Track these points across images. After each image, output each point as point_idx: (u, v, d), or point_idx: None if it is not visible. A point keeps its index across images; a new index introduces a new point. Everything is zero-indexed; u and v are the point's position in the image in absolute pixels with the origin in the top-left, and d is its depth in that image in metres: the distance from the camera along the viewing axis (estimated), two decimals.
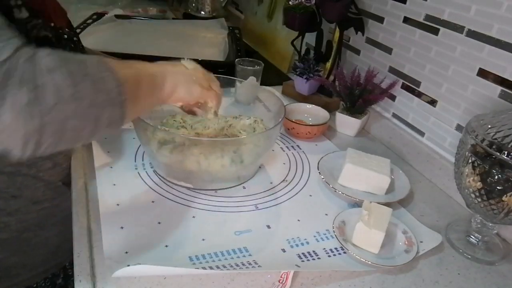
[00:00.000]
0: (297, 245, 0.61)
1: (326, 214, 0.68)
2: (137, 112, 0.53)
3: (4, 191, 0.63)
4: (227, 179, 0.71)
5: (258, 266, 0.55)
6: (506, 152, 0.55)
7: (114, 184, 0.68)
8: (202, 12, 1.73)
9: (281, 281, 0.54)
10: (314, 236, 0.63)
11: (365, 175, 0.72)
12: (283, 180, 0.76)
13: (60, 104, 0.37)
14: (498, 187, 0.57)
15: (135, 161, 0.75)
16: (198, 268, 0.54)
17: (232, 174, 0.70)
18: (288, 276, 0.54)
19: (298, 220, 0.66)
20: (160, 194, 0.67)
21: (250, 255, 0.57)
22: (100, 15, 1.43)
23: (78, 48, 0.72)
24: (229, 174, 0.70)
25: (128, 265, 0.50)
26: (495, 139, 0.57)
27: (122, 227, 0.59)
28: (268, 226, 0.64)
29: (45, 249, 0.72)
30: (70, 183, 0.72)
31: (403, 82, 0.91)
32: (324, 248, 0.61)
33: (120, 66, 0.45)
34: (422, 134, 0.88)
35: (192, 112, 0.65)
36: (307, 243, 0.61)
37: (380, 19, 0.96)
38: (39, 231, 0.70)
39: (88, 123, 0.41)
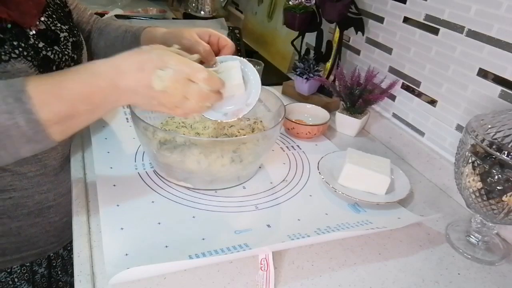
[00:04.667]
0: (298, 238, 0.61)
1: (326, 214, 0.68)
2: (77, 125, 0.49)
3: None
4: (227, 179, 0.71)
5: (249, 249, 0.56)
6: (506, 152, 0.55)
7: (114, 185, 0.68)
8: (202, 12, 1.73)
9: (262, 267, 0.53)
10: (315, 231, 0.63)
11: (365, 175, 0.72)
12: (283, 180, 0.76)
13: None
14: (498, 187, 0.57)
15: (135, 161, 0.75)
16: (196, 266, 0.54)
17: (232, 174, 0.70)
18: (268, 261, 0.54)
19: (299, 220, 0.66)
20: (160, 194, 0.67)
21: (250, 249, 0.57)
22: (100, 15, 1.43)
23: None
24: (229, 174, 0.70)
25: (128, 268, 0.50)
26: (495, 139, 0.57)
27: (122, 228, 0.59)
28: (269, 226, 0.64)
29: (18, 238, 0.71)
30: (56, 174, 0.72)
31: (403, 82, 0.92)
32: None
33: (45, 87, 0.45)
34: (422, 134, 0.88)
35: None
36: (308, 236, 0.62)
37: (380, 19, 0.96)
38: (6, 220, 0.69)
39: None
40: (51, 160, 0.71)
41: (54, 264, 0.80)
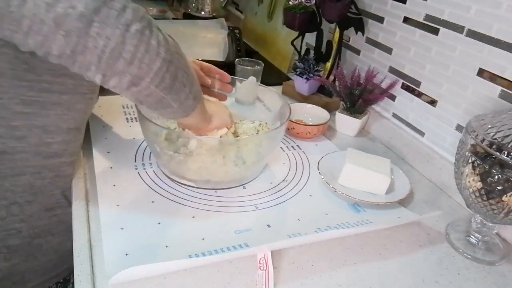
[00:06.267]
0: (296, 236, 0.61)
1: (326, 214, 0.68)
2: (197, 113, 0.59)
3: (20, 195, 0.63)
4: (230, 179, 0.71)
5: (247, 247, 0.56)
6: (506, 152, 0.55)
7: (114, 185, 0.68)
8: (202, 12, 1.73)
9: (261, 267, 0.53)
10: (315, 231, 0.63)
11: (365, 175, 0.72)
12: (283, 180, 0.76)
13: (177, 54, 0.49)
14: (498, 187, 0.57)
15: (135, 161, 0.75)
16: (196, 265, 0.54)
17: (235, 174, 0.70)
18: (267, 261, 0.54)
19: (299, 220, 0.66)
20: (160, 194, 0.67)
21: (249, 248, 0.57)
22: None
23: None
24: (232, 175, 0.70)
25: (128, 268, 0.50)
26: (495, 139, 0.57)
27: (122, 228, 0.59)
28: (269, 226, 0.64)
29: (57, 254, 0.72)
30: None
31: (403, 82, 0.92)
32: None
33: None
34: (422, 134, 0.88)
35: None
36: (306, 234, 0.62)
37: (380, 19, 0.96)
38: (50, 237, 0.69)
39: (187, 83, 0.52)
40: None
41: None
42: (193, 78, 0.54)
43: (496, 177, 0.57)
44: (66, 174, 0.68)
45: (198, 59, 0.75)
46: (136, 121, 0.87)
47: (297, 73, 1.05)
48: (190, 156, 0.66)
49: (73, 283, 0.77)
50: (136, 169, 0.73)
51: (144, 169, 0.73)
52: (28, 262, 0.68)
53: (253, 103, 0.86)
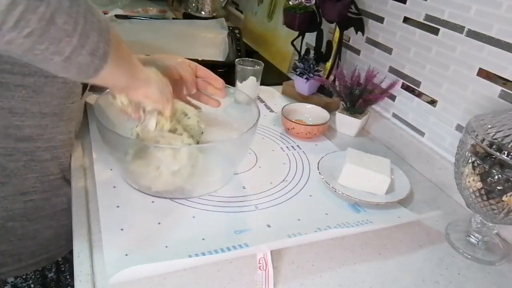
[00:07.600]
0: (295, 236, 0.61)
1: (326, 214, 0.68)
2: (114, 71, 0.48)
3: None
4: (173, 190, 0.67)
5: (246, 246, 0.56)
6: (506, 152, 0.55)
7: (114, 186, 0.68)
8: (202, 12, 1.73)
9: (261, 267, 0.53)
10: (315, 231, 0.63)
11: (365, 175, 0.72)
12: (283, 180, 0.76)
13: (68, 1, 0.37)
14: (498, 187, 0.57)
15: None
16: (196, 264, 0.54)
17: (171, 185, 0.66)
18: (267, 260, 0.54)
19: (298, 220, 0.66)
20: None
21: (248, 247, 0.57)
22: None
23: None
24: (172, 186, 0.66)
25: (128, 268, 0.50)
26: (495, 139, 0.57)
27: (122, 228, 0.59)
28: (269, 225, 0.64)
29: (34, 241, 0.72)
30: (69, 178, 0.72)
31: (403, 82, 0.92)
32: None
33: None
34: (422, 134, 0.88)
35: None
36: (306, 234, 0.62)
37: (380, 19, 0.96)
38: (26, 223, 0.69)
39: (74, 33, 0.39)
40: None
41: (62, 269, 0.80)
42: (93, 27, 0.41)
43: (496, 177, 0.57)
44: (43, 159, 0.67)
45: (198, 59, 0.74)
46: None
47: (297, 73, 1.05)
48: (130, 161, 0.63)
49: (55, 272, 0.77)
50: None
51: None
52: (1, 245, 0.68)
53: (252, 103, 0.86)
